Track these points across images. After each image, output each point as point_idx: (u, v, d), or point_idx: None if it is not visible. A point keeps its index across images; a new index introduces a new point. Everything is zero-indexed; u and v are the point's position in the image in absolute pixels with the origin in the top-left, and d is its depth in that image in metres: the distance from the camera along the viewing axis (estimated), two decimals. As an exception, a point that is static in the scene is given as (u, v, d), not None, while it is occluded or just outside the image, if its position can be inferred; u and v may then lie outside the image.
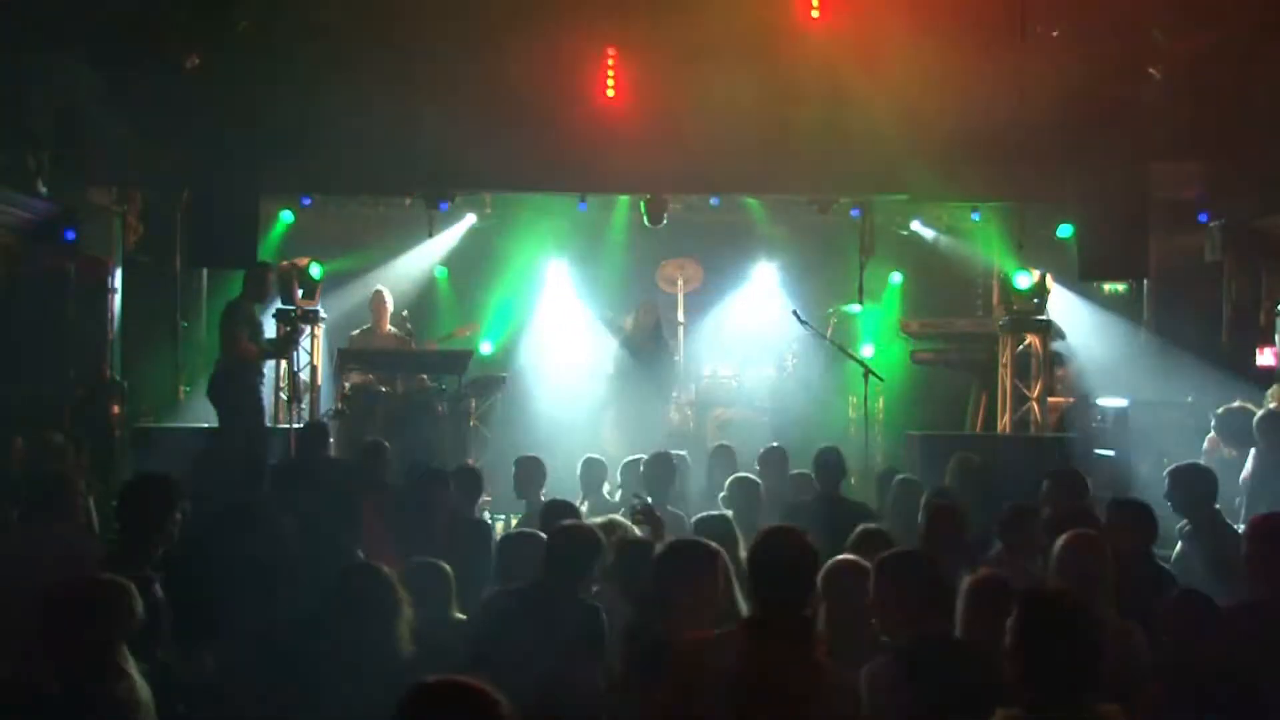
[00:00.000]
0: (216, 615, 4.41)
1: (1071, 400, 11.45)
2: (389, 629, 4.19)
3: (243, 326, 9.23)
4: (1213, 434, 8.01)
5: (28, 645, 3.71)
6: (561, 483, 7.79)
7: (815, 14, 9.83)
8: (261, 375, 9.47)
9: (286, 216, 11.63)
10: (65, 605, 3.59)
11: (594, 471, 7.65)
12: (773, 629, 3.60)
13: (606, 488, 7.75)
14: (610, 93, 10.12)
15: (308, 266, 10.69)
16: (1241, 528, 5.85)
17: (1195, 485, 6.00)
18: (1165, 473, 6.20)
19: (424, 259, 12.72)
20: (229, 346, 9.19)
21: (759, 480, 6.92)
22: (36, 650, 3.59)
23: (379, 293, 11.51)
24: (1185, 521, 6.02)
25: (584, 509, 6.59)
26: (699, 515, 5.68)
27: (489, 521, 8.36)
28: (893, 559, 4.16)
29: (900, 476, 7.19)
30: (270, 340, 9.73)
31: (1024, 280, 10.78)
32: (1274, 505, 6.06)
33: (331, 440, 8.85)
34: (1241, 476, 7.17)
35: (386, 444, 7.72)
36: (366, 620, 4.18)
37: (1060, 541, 4.55)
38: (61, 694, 3.47)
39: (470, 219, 12.72)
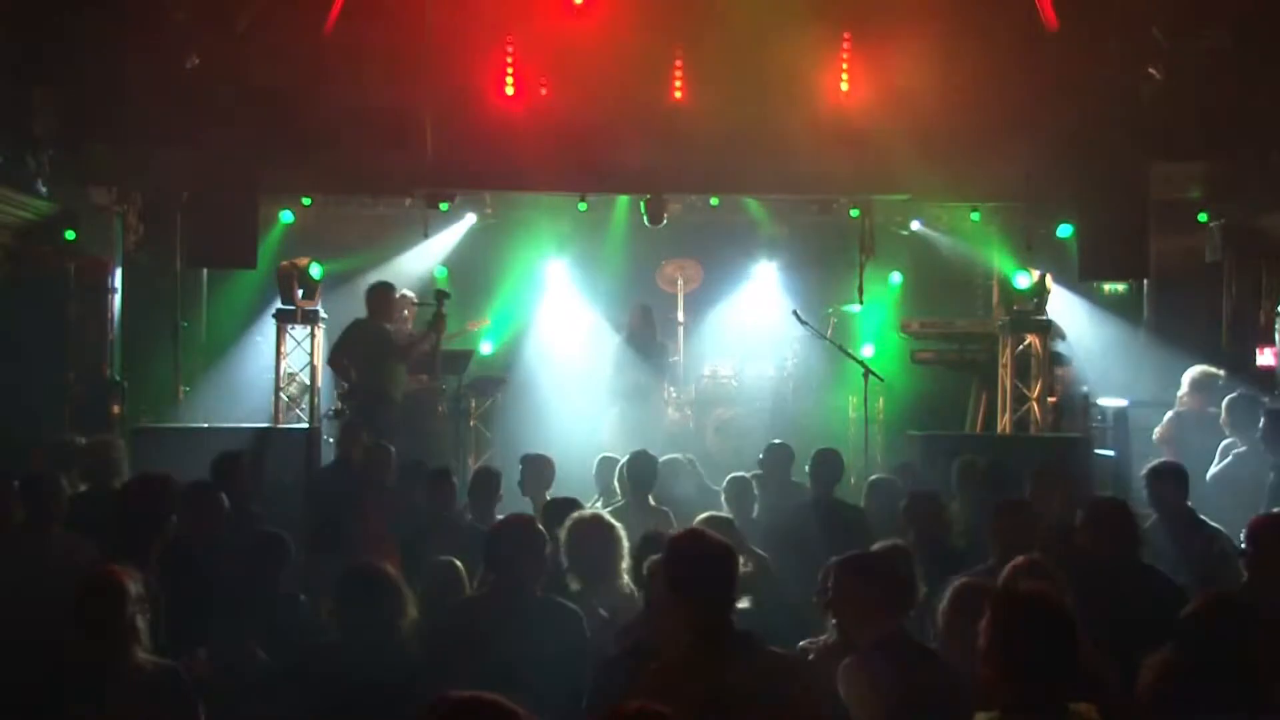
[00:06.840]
0: (213, 613, 4.42)
1: (1071, 400, 11.45)
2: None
3: (387, 350, 9.72)
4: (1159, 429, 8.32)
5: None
6: (561, 483, 7.75)
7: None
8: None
9: (286, 216, 11.59)
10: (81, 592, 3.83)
11: (608, 470, 7.52)
12: (725, 640, 3.49)
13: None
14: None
15: (308, 267, 10.67)
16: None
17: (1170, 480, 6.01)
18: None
19: (424, 259, 12.70)
20: (386, 370, 9.66)
21: (752, 481, 6.91)
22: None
23: (404, 296, 11.12)
24: (1155, 516, 5.99)
25: (598, 506, 6.52)
26: (704, 515, 5.57)
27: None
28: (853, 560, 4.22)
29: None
30: (423, 335, 10.14)
31: (1024, 280, 10.78)
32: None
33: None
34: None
35: (390, 446, 7.71)
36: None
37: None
38: (89, 670, 3.69)
39: (470, 219, 12.71)
